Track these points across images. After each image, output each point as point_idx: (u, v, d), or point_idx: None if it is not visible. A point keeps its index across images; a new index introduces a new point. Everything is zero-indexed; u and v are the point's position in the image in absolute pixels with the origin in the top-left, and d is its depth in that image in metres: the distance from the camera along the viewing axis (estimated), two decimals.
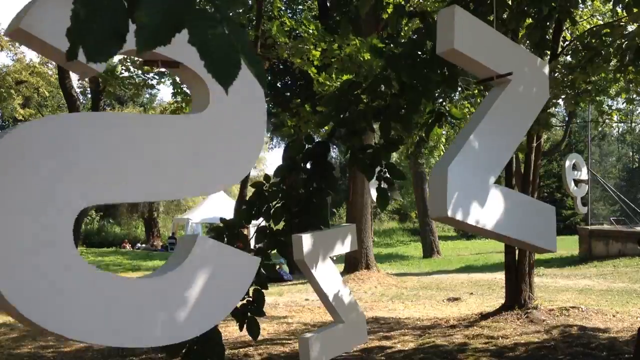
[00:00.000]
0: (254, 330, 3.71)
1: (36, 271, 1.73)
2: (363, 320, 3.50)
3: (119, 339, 1.92)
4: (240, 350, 7.36)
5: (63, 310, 1.78)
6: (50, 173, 1.78)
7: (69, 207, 1.82)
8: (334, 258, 3.30)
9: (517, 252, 9.22)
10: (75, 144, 1.83)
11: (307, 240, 3.03)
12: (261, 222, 3.92)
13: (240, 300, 3.64)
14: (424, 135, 4.35)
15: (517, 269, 9.22)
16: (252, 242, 3.94)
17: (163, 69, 15.08)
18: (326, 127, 9.40)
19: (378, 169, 3.92)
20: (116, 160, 1.91)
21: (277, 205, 3.82)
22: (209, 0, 1.24)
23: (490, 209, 2.40)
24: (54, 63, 22.48)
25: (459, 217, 2.27)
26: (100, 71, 2.00)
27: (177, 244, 2.37)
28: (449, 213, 2.23)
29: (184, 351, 3.52)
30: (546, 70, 2.78)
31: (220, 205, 30.00)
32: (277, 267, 13.03)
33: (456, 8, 2.35)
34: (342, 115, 3.96)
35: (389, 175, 3.92)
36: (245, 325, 3.73)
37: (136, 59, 14.51)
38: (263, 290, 3.75)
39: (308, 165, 3.93)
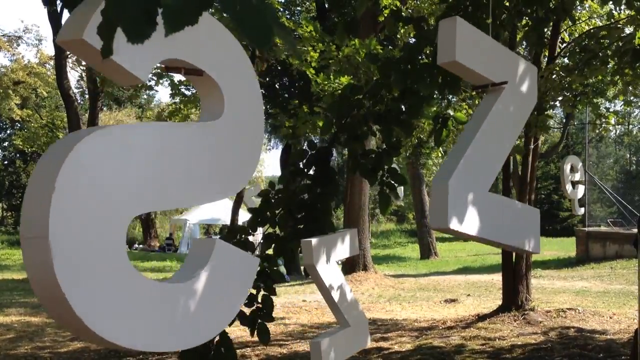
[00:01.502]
0: (265, 336, 3.75)
1: (99, 280, 1.78)
2: (366, 323, 3.54)
3: (155, 343, 1.97)
4: (237, 351, 7.33)
5: (121, 318, 1.83)
6: (111, 183, 1.84)
7: (125, 217, 1.88)
8: (339, 262, 3.34)
9: (514, 253, 9.23)
10: (129, 153, 1.90)
11: (316, 245, 3.06)
12: (267, 229, 3.95)
13: (250, 307, 3.69)
14: (433, 140, 4.34)
15: (514, 270, 9.23)
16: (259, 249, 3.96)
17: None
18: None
19: (380, 173, 3.93)
20: (158, 168, 1.98)
21: (282, 211, 3.84)
22: None
23: (486, 218, 2.50)
24: (51, 63, 22.48)
25: (458, 227, 2.37)
26: (144, 81, 2.04)
27: (192, 246, 2.39)
28: (450, 225, 2.33)
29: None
30: (536, 75, 2.84)
31: (217, 206, 29.95)
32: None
33: (458, 20, 2.43)
34: (343, 120, 3.97)
35: (391, 180, 3.93)
36: (256, 331, 3.76)
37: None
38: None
39: (311, 171, 3.95)
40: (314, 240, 3.08)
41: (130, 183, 1.89)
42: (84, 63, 18.18)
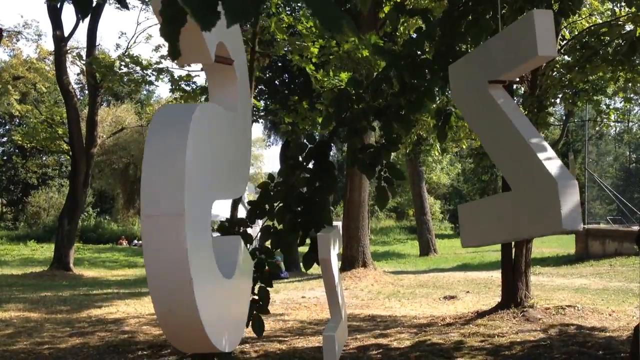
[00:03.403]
0: (259, 328, 3.74)
1: (207, 267, 1.66)
2: (346, 315, 3.64)
3: (225, 342, 1.80)
4: (237, 347, 7.35)
5: (221, 318, 1.73)
6: (210, 160, 1.77)
7: (210, 202, 1.80)
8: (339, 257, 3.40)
9: (513, 250, 9.23)
10: (212, 135, 1.82)
11: (331, 239, 3.10)
12: (265, 221, 3.94)
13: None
14: (436, 136, 4.31)
15: (514, 267, 9.23)
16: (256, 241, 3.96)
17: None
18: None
19: (378, 168, 3.91)
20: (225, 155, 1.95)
21: (280, 204, 3.83)
22: None
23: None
24: (51, 59, 22.43)
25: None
26: (211, 61, 1.98)
27: (218, 244, 2.29)
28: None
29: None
30: None
31: (216, 202, 29.97)
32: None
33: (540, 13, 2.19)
34: (343, 115, 3.96)
35: (389, 175, 3.92)
36: (250, 323, 3.75)
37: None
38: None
39: (310, 165, 3.94)
40: (328, 234, 3.11)
41: (212, 167, 1.82)
42: (84, 58, 18.15)
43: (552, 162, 1.92)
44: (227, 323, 1.81)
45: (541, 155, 1.93)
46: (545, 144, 2.00)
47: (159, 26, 1.37)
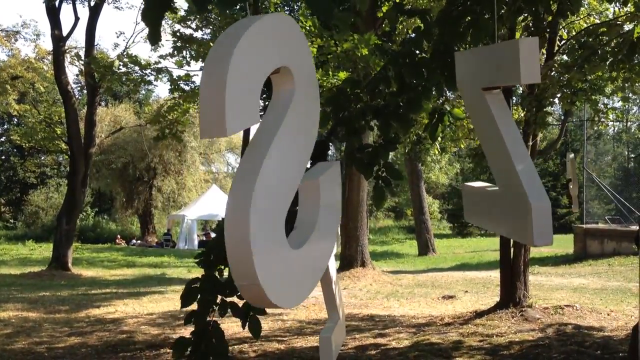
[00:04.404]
0: (256, 329, 3.73)
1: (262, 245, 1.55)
2: (344, 315, 3.60)
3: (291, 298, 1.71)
4: (235, 347, 7.35)
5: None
6: None
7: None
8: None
9: (512, 250, 9.24)
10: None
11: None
12: None
13: (243, 300, 3.65)
14: (428, 135, 4.32)
15: (512, 267, 9.24)
16: None
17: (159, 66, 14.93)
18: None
19: (376, 168, 3.91)
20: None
21: None
22: None
23: None
24: (49, 58, 22.38)
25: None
26: None
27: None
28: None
29: (189, 349, 3.54)
30: None
31: (215, 202, 30.00)
32: None
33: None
34: (341, 114, 3.95)
35: (387, 175, 3.91)
36: (247, 324, 3.74)
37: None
38: None
39: (308, 165, 3.93)
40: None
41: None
42: (83, 58, 18.12)
43: (530, 180, 2.05)
44: (290, 285, 1.74)
45: (521, 171, 2.04)
46: (527, 159, 2.11)
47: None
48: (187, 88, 15.52)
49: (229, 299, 3.76)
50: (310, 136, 1.84)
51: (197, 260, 3.96)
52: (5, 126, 40.81)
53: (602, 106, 12.54)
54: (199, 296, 3.69)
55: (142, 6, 1.25)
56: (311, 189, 1.89)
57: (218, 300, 3.74)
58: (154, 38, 1.24)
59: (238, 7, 1.20)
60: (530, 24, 5.44)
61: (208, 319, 3.71)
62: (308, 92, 1.84)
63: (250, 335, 3.81)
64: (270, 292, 1.54)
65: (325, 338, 2.92)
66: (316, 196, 1.89)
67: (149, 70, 15.36)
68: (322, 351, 2.87)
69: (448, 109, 4.28)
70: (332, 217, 1.97)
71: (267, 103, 20.00)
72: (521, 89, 10.65)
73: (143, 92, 37.08)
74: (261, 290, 1.51)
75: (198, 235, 31.32)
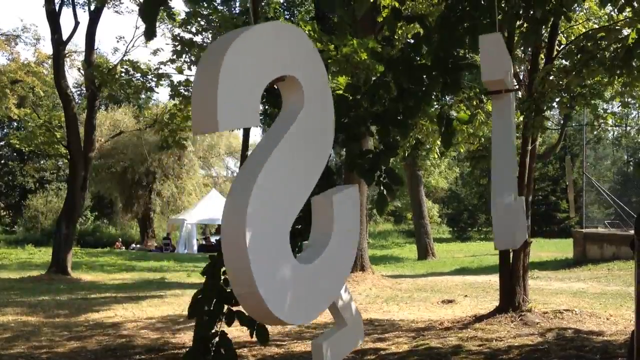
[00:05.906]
0: (264, 336, 3.75)
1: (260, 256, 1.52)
2: (361, 322, 3.52)
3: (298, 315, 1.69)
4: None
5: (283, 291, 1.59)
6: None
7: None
8: None
9: (511, 254, 9.24)
10: None
11: None
12: None
13: None
14: (441, 146, 4.33)
15: (512, 271, 9.24)
16: None
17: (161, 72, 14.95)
18: None
19: (377, 174, 3.91)
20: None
21: None
22: None
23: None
24: (49, 62, 22.42)
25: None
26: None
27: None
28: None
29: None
30: None
31: (214, 206, 29.98)
32: None
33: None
34: (341, 120, 3.96)
35: (387, 181, 3.92)
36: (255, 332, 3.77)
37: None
38: None
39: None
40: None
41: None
42: (84, 66, 18.16)
43: (504, 184, 2.17)
44: (298, 300, 1.65)
45: (501, 177, 2.15)
46: (510, 169, 2.19)
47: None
48: (187, 94, 15.56)
49: (235, 308, 3.77)
50: (322, 150, 1.79)
51: (202, 273, 4.00)
52: (5, 130, 40.82)
53: (602, 111, 12.56)
54: (205, 308, 3.72)
55: (141, 6, 1.28)
56: (324, 205, 1.84)
57: (225, 310, 3.76)
58: (150, 33, 1.26)
59: (238, 7, 1.20)
60: (527, 29, 5.45)
61: (215, 329, 3.73)
62: (320, 106, 1.80)
63: (249, 339, 3.83)
64: (273, 304, 1.50)
65: (316, 344, 2.89)
66: (329, 213, 1.83)
67: (150, 76, 15.38)
68: (314, 358, 2.84)
69: (455, 114, 4.28)
70: (349, 238, 1.91)
71: (266, 107, 20.02)
72: (520, 92, 10.68)
73: (143, 96, 37.11)
74: (261, 300, 1.48)
75: (197, 240, 31.31)
